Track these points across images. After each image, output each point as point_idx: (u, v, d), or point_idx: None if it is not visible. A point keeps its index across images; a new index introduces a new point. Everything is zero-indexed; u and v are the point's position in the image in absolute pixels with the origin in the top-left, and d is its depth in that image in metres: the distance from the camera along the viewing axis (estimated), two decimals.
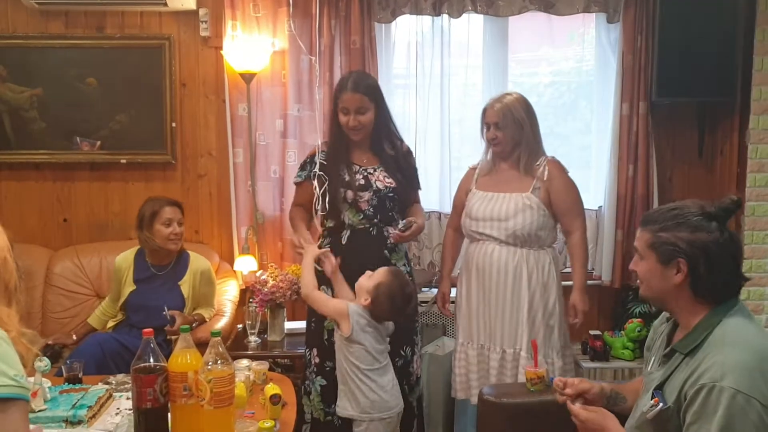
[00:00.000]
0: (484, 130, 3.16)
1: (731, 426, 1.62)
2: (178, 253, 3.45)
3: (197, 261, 3.50)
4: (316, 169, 3.05)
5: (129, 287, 3.39)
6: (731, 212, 1.82)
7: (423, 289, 3.86)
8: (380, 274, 2.65)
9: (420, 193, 3.34)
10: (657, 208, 1.97)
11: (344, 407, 2.64)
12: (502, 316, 3.05)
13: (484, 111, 3.15)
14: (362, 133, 3.02)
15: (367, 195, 3.01)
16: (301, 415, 3.06)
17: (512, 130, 3.06)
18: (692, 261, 1.78)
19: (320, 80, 3.85)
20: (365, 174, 3.04)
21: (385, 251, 3.06)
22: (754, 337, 1.75)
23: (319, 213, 3.07)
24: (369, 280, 2.65)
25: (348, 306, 2.61)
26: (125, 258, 3.46)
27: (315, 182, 3.05)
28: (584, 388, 2.14)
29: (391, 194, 3.05)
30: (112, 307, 3.49)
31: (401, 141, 3.21)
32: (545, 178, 3.07)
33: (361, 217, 3.02)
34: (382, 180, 3.05)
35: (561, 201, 3.10)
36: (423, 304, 3.63)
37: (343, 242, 3.04)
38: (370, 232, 3.04)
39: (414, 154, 3.33)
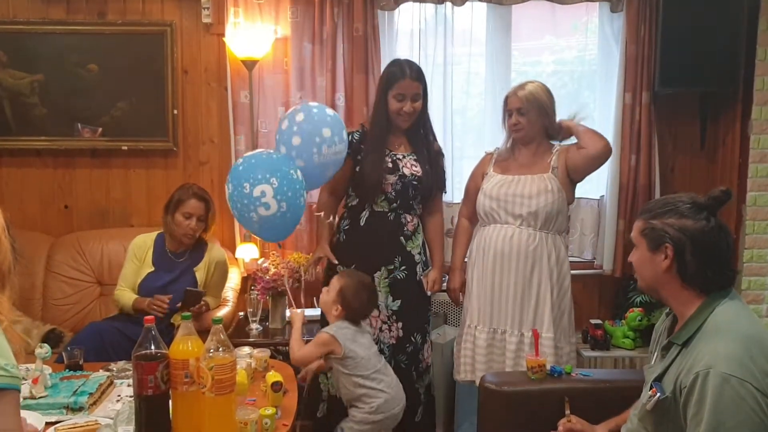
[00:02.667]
0: (506, 118, 3.15)
1: (726, 410, 1.64)
2: (197, 241, 3.46)
3: (214, 250, 3.51)
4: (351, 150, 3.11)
5: (147, 268, 3.39)
6: (721, 202, 1.85)
7: None
8: (336, 281, 2.76)
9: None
10: (653, 200, 2.00)
11: (356, 415, 2.68)
12: (521, 300, 3.05)
13: (507, 98, 3.14)
14: (412, 119, 3.09)
15: (392, 178, 3.06)
16: (318, 394, 3.16)
17: (535, 116, 3.06)
18: (678, 246, 1.82)
19: (323, 68, 3.85)
20: (394, 158, 3.10)
21: (401, 238, 3.11)
22: (745, 324, 1.78)
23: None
24: (328, 293, 2.75)
25: (328, 332, 2.67)
26: (145, 239, 3.46)
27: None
28: (577, 430, 2.25)
29: (415, 182, 3.10)
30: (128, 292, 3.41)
31: (435, 139, 3.26)
32: (561, 154, 3.09)
33: (383, 198, 3.07)
34: (409, 167, 3.10)
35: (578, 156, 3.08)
36: None
37: (362, 223, 3.11)
38: (388, 217, 3.10)
39: None
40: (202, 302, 3.33)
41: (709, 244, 1.81)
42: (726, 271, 1.85)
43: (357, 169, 3.10)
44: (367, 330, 2.81)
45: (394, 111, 3.06)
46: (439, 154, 3.27)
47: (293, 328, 2.82)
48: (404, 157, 3.13)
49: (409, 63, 3.10)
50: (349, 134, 3.16)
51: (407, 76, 3.02)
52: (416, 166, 3.12)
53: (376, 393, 2.65)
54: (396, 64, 3.12)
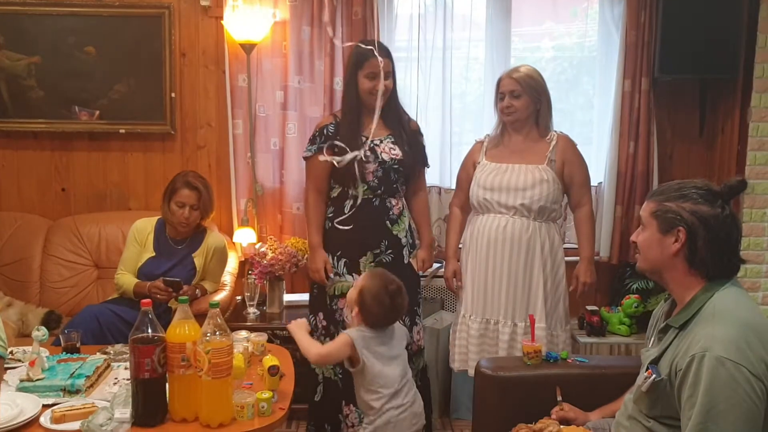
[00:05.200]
0: (498, 101, 3.13)
1: (720, 392, 1.65)
2: (196, 228, 3.45)
3: (213, 237, 3.50)
4: (337, 142, 3.05)
5: (148, 253, 3.39)
6: (736, 191, 1.86)
7: None
8: (361, 279, 2.57)
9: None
10: (666, 183, 2.00)
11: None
12: (514, 290, 3.05)
13: (499, 81, 3.13)
14: (386, 98, 3.04)
15: (372, 167, 3.04)
16: (313, 377, 3.15)
17: (527, 99, 3.05)
18: (691, 231, 1.83)
19: (322, 52, 3.83)
20: (371, 145, 3.06)
21: (387, 222, 3.09)
22: (743, 310, 1.79)
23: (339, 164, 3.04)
24: (353, 289, 2.55)
25: (350, 334, 2.45)
26: (146, 224, 3.46)
27: (325, 155, 3.05)
28: (570, 418, 2.27)
29: (396, 166, 3.08)
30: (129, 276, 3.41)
31: (408, 117, 3.23)
32: (560, 151, 3.08)
33: (366, 188, 3.05)
34: (388, 152, 3.08)
35: (575, 174, 3.11)
36: (422, 278, 3.63)
37: (346, 211, 3.08)
38: (373, 203, 3.08)
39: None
40: (196, 289, 3.34)
41: (722, 232, 1.82)
42: (734, 260, 1.87)
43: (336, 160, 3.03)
44: (395, 336, 2.54)
45: (366, 90, 3.02)
46: (417, 133, 3.23)
47: (297, 336, 2.57)
48: (382, 141, 3.09)
49: (378, 42, 3.07)
50: (323, 127, 3.12)
51: (376, 54, 2.98)
52: (395, 149, 3.09)
53: (378, 413, 2.44)
54: (363, 43, 3.10)
